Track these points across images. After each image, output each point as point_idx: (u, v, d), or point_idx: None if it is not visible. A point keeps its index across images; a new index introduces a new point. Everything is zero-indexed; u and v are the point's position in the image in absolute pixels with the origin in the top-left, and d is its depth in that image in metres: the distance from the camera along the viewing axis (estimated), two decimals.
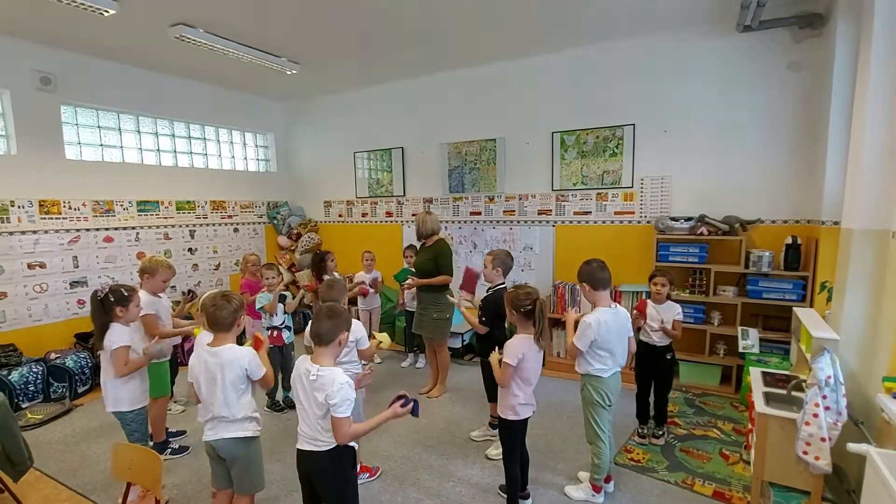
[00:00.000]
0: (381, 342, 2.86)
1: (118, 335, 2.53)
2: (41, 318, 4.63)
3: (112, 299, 2.53)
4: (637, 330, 3.25)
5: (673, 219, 4.29)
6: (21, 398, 4.04)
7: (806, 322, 2.69)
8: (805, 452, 2.12)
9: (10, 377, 4.01)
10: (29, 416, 3.91)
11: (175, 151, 5.81)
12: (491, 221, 5.46)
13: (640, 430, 3.33)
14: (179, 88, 5.67)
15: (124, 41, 4.44)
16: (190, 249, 5.86)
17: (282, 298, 3.89)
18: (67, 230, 4.78)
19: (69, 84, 4.71)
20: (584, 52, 4.70)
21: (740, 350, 3.74)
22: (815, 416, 2.09)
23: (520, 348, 2.36)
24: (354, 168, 6.42)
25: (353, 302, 5.10)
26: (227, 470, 2.22)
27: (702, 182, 4.33)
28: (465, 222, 5.63)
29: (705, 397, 3.99)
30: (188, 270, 5.80)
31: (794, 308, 3.12)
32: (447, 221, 5.75)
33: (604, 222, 4.83)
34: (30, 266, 4.53)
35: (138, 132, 5.45)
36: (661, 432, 3.28)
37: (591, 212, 4.88)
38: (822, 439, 2.08)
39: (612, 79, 4.61)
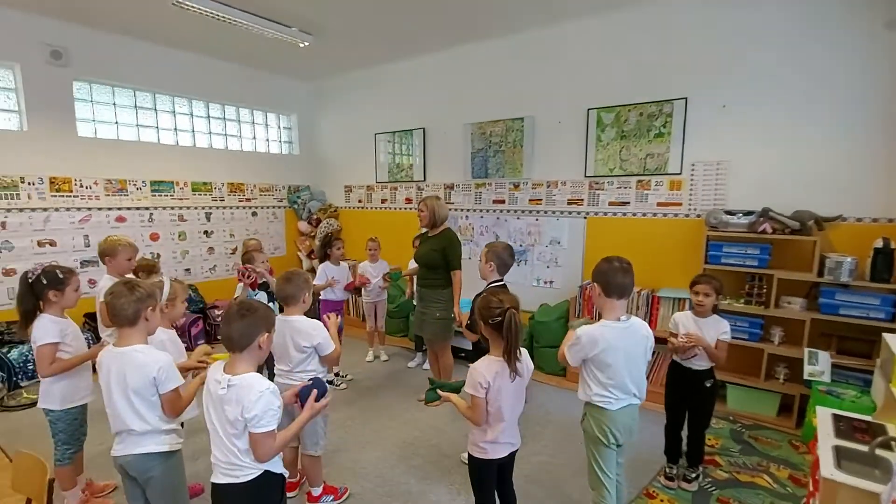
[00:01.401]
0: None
1: (45, 330, 2.22)
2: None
3: (44, 282, 2.24)
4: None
5: (729, 212, 3.56)
6: (20, 376, 4.00)
7: None
8: None
9: (9, 355, 3.97)
10: (25, 395, 3.84)
11: (193, 131, 5.66)
12: (515, 211, 4.90)
13: (667, 470, 2.72)
14: (198, 66, 5.48)
15: (127, 12, 4.24)
16: (206, 232, 5.72)
17: (263, 286, 3.55)
18: (79, 209, 4.72)
19: (82, 59, 4.61)
20: (627, 13, 4.00)
21: (806, 376, 3.06)
22: None
23: (486, 373, 1.84)
24: (375, 151, 6.03)
25: (357, 293, 4.75)
26: (142, 490, 1.89)
27: (767, 169, 3.56)
28: (488, 211, 5.10)
29: (757, 431, 3.29)
30: (203, 254, 5.67)
31: (885, 333, 2.38)
32: (468, 210, 5.24)
33: (644, 215, 4.14)
34: (39, 243, 4.49)
35: (155, 110, 5.32)
36: (694, 475, 2.65)
37: (629, 202, 4.21)
38: None
39: (660, 44, 3.89)
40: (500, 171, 4.93)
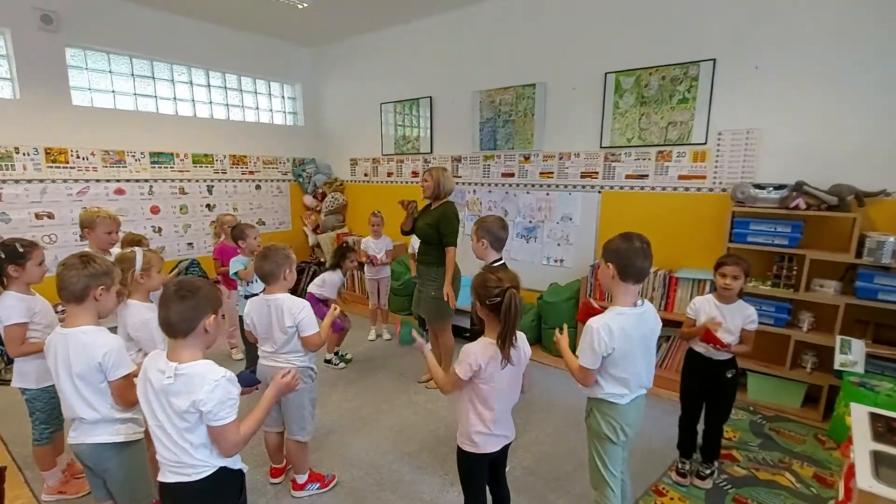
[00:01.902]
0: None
1: (12, 309, 2.07)
2: (50, 268, 4.53)
3: (2, 256, 2.10)
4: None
5: (758, 186, 3.24)
6: None
7: None
8: None
9: None
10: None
11: (193, 101, 5.47)
12: (525, 185, 4.62)
13: (679, 465, 2.51)
14: (198, 32, 5.26)
15: None
16: (208, 206, 5.59)
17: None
18: (76, 180, 4.61)
19: (74, 24, 4.42)
20: None
21: (836, 366, 2.80)
22: None
23: (478, 356, 1.66)
24: (381, 122, 5.76)
25: (361, 268, 4.57)
26: (102, 480, 1.77)
27: (802, 138, 3.22)
28: (496, 185, 4.83)
29: (780, 423, 3.05)
30: (205, 227, 5.54)
31: None
32: (476, 184, 4.98)
33: (664, 189, 3.84)
34: (37, 216, 4.41)
35: (153, 78, 5.14)
36: (709, 471, 2.44)
37: (647, 175, 3.90)
38: None
39: None
40: (510, 143, 4.63)
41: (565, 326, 1.98)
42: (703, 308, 2.33)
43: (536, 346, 4.20)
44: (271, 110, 6.29)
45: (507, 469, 2.45)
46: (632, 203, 3.99)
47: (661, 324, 1.88)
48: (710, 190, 3.61)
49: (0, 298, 2.11)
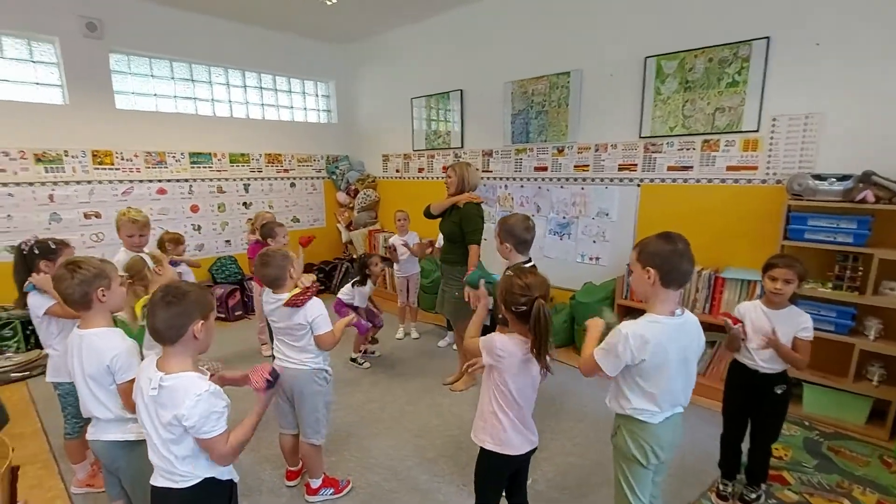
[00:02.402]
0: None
1: (42, 300, 2.17)
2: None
3: (36, 252, 2.19)
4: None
5: (818, 177, 2.91)
6: None
7: None
8: None
9: None
10: None
11: (230, 101, 5.59)
12: (559, 179, 4.40)
13: (720, 487, 2.28)
14: (233, 33, 5.35)
15: None
16: (244, 204, 5.71)
17: None
18: (121, 181, 4.81)
19: (116, 30, 4.59)
20: None
21: None
22: None
23: (504, 346, 1.59)
24: (412, 117, 5.68)
25: (390, 264, 4.53)
26: (117, 478, 1.78)
27: (870, 123, 2.85)
28: (529, 179, 4.64)
29: (839, 442, 2.73)
30: (242, 225, 5.67)
31: None
32: (507, 179, 4.81)
33: (710, 181, 3.54)
34: (86, 215, 4.64)
35: (192, 81, 5.28)
36: (754, 495, 2.21)
37: (692, 167, 3.61)
38: None
39: None
40: (543, 135, 4.43)
41: (603, 320, 1.78)
42: (749, 315, 2.09)
43: (570, 348, 4.01)
44: (305, 109, 6.35)
45: (528, 482, 2.33)
46: (674, 197, 3.71)
47: (703, 339, 1.68)
48: (763, 182, 3.29)
49: (30, 294, 2.18)
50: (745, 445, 2.25)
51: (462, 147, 5.19)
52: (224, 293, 5.03)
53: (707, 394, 3.09)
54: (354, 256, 5.97)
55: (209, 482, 1.39)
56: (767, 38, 3.12)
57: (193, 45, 5.11)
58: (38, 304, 2.19)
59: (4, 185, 4.14)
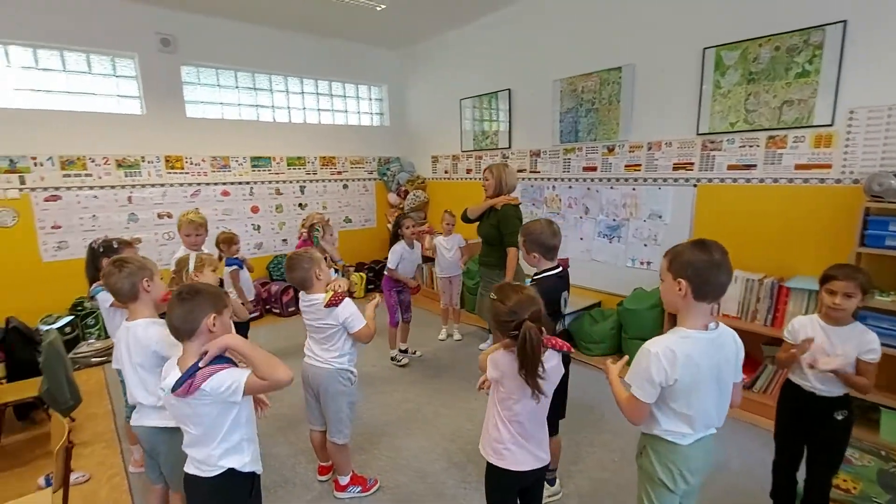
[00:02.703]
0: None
1: (106, 295, 2.37)
2: (168, 262, 5.13)
3: (101, 251, 2.41)
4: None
5: None
6: None
7: None
8: None
9: None
10: None
11: (289, 108, 5.87)
12: (608, 179, 4.21)
13: None
14: (293, 43, 5.62)
15: None
16: (300, 205, 5.98)
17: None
18: (190, 184, 5.20)
19: (188, 45, 4.96)
20: None
21: None
22: None
23: (501, 362, 1.55)
24: (460, 118, 5.68)
25: (428, 261, 4.56)
26: (157, 463, 1.92)
27: None
28: (577, 180, 4.48)
29: None
30: (298, 225, 5.93)
31: None
32: (556, 179, 4.67)
33: (775, 181, 3.23)
34: (159, 216, 5.05)
35: (254, 89, 5.60)
36: None
37: (755, 165, 3.32)
38: None
39: None
40: (593, 133, 4.26)
41: (623, 359, 1.66)
42: (805, 330, 1.88)
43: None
44: (359, 112, 6.54)
45: (558, 495, 2.26)
46: (734, 198, 3.43)
47: (742, 351, 1.53)
48: (837, 181, 2.95)
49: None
50: (802, 474, 2.03)
51: (510, 147, 5.12)
52: (279, 290, 5.29)
53: (766, 413, 2.82)
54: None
55: (231, 473, 1.47)
56: (844, 22, 2.79)
57: (256, 55, 5.41)
58: (105, 298, 2.40)
59: (91, 188, 4.61)
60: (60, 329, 4.12)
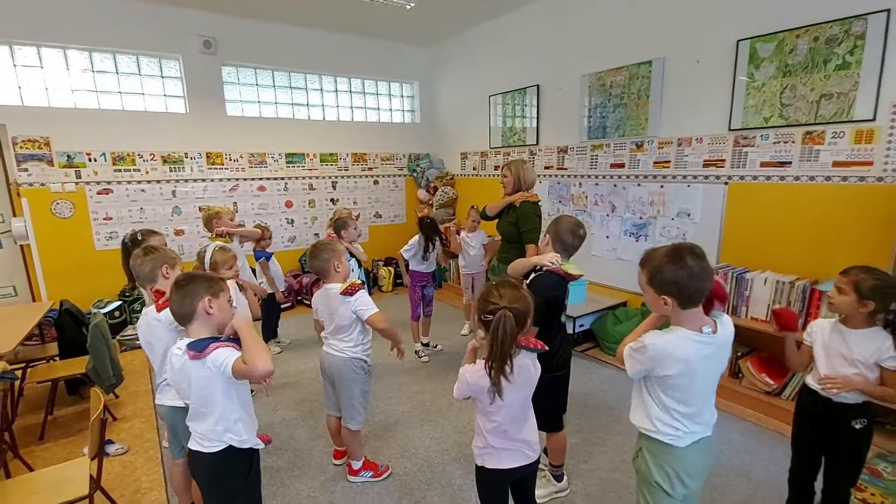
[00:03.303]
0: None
1: None
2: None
3: (129, 243, 2.59)
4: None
5: None
6: None
7: None
8: None
9: None
10: None
11: (323, 105, 6.05)
12: (636, 176, 4.12)
13: None
14: (327, 42, 5.78)
15: None
16: (332, 200, 6.16)
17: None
18: (229, 179, 5.46)
19: (228, 46, 5.20)
20: None
21: None
22: None
23: (470, 383, 1.54)
24: (489, 115, 5.68)
25: (454, 257, 4.61)
26: (178, 438, 2.06)
27: None
28: (604, 177, 4.40)
29: None
30: (328, 220, 6.10)
31: None
32: (582, 176, 4.61)
33: (812, 179, 3.08)
34: (200, 209, 5.33)
35: (290, 88, 5.81)
36: None
37: (790, 162, 3.17)
38: None
39: None
40: (621, 129, 4.17)
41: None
42: (822, 334, 1.81)
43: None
44: (390, 109, 6.65)
45: (566, 491, 2.26)
46: (767, 197, 3.28)
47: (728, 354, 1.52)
48: (879, 180, 2.78)
49: None
50: (819, 484, 1.95)
51: (537, 144, 5.08)
52: (310, 282, 5.48)
53: (778, 415, 2.74)
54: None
55: (231, 450, 1.56)
56: (888, 10, 2.63)
57: (292, 55, 5.61)
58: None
59: (139, 182, 4.92)
60: (109, 313, 4.45)
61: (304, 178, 5.92)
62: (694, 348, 1.41)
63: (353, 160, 6.24)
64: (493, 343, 1.45)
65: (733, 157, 3.46)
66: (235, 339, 1.55)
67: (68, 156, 4.55)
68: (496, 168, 5.71)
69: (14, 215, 4.53)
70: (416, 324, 3.99)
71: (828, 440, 1.84)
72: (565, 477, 2.38)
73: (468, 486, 2.41)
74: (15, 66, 4.32)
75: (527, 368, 1.57)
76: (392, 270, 6.20)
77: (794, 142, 3.13)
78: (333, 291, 2.27)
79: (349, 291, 2.23)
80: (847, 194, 2.92)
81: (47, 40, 4.36)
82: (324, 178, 6.06)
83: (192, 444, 1.58)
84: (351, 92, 6.25)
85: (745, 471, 2.48)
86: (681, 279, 1.37)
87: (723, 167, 3.52)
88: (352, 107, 6.29)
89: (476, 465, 1.68)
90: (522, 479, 1.72)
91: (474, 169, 6.11)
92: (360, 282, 2.32)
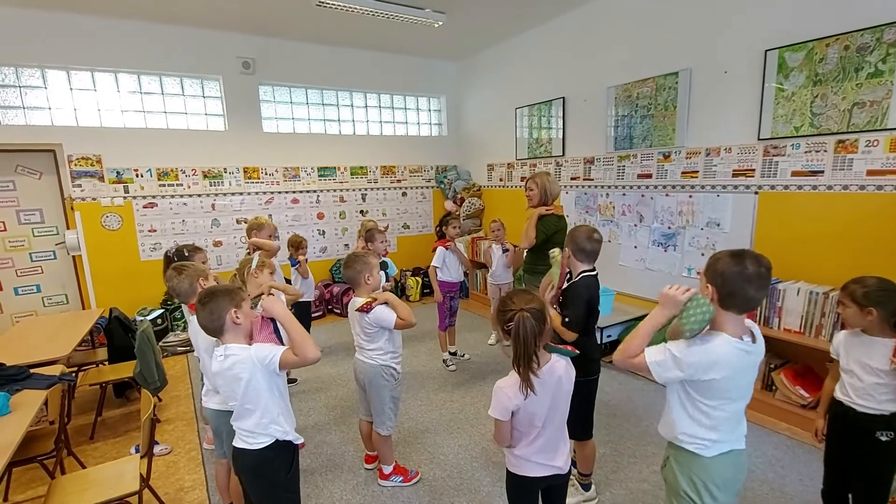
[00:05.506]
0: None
1: None
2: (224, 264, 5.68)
3: (174, 258, 2.74)
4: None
5: None
6: None
7: None
8: None
9: None
10: None
11: (353, 121, 6.26)
12: (664, 186, 4.11)
13: None
14: (358, 60, 5.99)
15: (291, 17, 4.83)
16: (361, 211, 6.33)
17: (383, 266, 3.73)
18: (264, 192, 5.69)
19: (265, 66, 5.46)
20: None
21: None
22: None
23: (511, 394, 1.55)
24: (515, 126, 5.76)
25: (482, 267, 4.67)
26: (222, 441, 2.18)
27: None
28: (631, 187, 4.40)
29: None
30: (357, 231, 6.27)
31: None
32: (610, 186, 4.62)
33: (845, 188, 3.02)
34: (238, 221, 5.57)
35: (322, 105, 6.04)
36: None
37: (822, 171, 3.12)
38: None
39: None
40: (648, 140, 4.18)
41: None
42: (844, 343, 1.81)
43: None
44: (419, 123, 6.81)
45: (594, 501, 2.28)
46: (799, 206, 3.24)
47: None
48: None
49: None
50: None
51: (563, 155, 5.12)
52: (340, 291, 5.63)
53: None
54: None
55: (275, 444, 1.66)
56: None
57: (324, 73, 5.84)
58: None
59: (181, 196, 5.20)
60: (153, 320, 4.68)
61: (335, 190, 6.11)
62: (737, 355, 1.41)
63: (382, 172, 6.41)
64: (517, 344, 1.51)
65: (763, 167, 3.42)
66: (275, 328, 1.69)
67: (118, 172, 4.85)
68: (522, 179, 5.77)
69: (67, 228, 4.85)
70: (444, 334, 4.07)
71: (854, 453, 1.81)
72: (593, 486, 2.39)
73: (497, 493, 2.45)
74: (71, 89, 4.65)
75: (555, 372, 1.60)
76: (420, 280, 6.30)
77: (825, 151, 3.09)
78: (355, 304, 2.38)
79: (365, 309, 2.31)
80: (882, 203, 2.86)
81: (100, 65, 4.68)
82: (354, 190, 6.24)
83: (238, 443, 1.69)
84: (380, 107, 6.45)
85: (779, 485, 2.44)
86: (730, 274, 1.38)
87: (752, 177, 3.49)
88: (381, 121, 6.47)
89: (507, 471, 1.73)
90: (554, 489, 1.75)
91: (501, 180, 6.18)
92: (378, 302, 2.37)
